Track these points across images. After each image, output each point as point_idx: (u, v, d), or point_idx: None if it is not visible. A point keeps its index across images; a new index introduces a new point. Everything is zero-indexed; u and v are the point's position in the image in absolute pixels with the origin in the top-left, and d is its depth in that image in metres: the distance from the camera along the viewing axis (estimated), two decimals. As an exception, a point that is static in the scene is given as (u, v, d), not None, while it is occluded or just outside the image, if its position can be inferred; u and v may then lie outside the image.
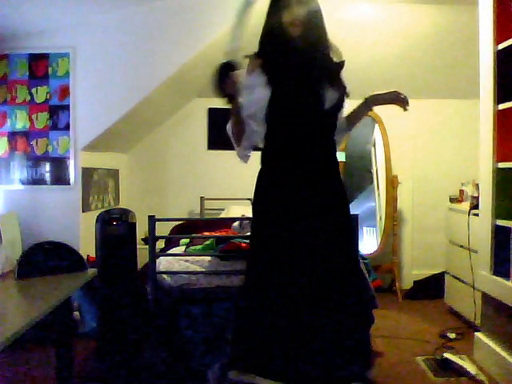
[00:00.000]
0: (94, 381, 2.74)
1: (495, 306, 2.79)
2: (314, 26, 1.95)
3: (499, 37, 2.71)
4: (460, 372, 2.76)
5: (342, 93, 2.04)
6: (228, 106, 2.00)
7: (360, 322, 2.02)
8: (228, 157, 3.52)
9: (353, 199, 4.85)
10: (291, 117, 1.94)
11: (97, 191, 4.02)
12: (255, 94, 1.92)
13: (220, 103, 2.16)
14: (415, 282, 4.60)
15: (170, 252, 2.92)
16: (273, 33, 1.94)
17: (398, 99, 2.04)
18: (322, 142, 2.00)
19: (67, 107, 3.66)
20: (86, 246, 3.50)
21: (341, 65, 2.07)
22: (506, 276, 2.66)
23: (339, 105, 2.04)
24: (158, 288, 2.65)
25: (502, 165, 2.72)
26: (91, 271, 2.30)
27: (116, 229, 2.88)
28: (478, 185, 3.19)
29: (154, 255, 2.68)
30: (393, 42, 4.11)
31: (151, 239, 2.69)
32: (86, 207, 3.78)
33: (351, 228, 2.12)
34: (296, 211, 1.92)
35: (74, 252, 2.29)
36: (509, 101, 2.64)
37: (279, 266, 1.90)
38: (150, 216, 2.71)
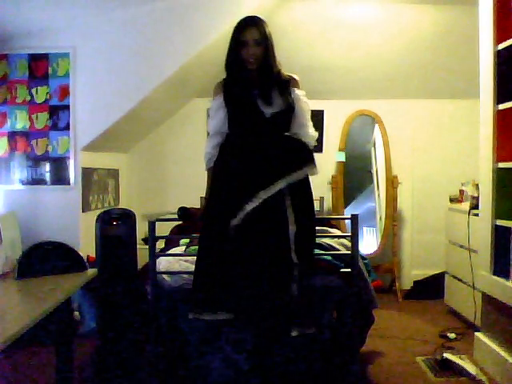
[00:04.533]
0: (94, 381, 2.74)
1: (495, 306, 2.79)
2: (267, 57, 2.30)
3: (499, 37, 2.71)
4: (460, 372, 2.76)
5: (287, 104, 2.33)
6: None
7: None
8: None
9: (353, 199, 4.86)
10: (238, 125, 2.36)
11: (97, 191, 4.02)
12: (218, 114, 2.36)
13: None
14: (415, 282, 4.60)
15: (169, 252, 2.92)
16: (232, 66, 2.34)
17: None
18: (271, 141, 2.32)
19: (67, 107, 3.66)
20: (86, 246, 3.50)
21: (287, 79, 2.37)
22: (506, 276, 2.66)
23: (284, 113, 2.33)
24: (158, 288, 2.65)
25: (502, 165, 2.72)
26: (91, 271, 2.30)
27: (116, 229, 2.88)
28: (477, 185, 3.19)
29: (154, 255, 2.68)
30: (393, 42, 4.11)
31: (151, 239, 2.68)
32: (86, 207, 3.78)
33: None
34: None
35: (74, 252, 2.29)
36: (509, 101, 2.64)
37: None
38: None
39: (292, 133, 2.38)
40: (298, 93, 2.38)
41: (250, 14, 2.38)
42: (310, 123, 2.40)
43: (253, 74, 2.35)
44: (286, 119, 2.36)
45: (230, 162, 2.34)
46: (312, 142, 2.40)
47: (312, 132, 2.40)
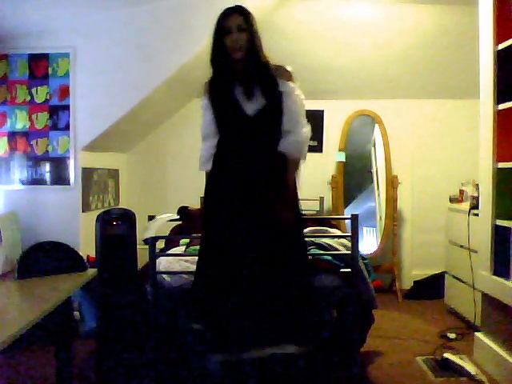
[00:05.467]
0: (94, 381, 2.74)
1: (495, 306, 2.79)
2: (252, 45, 2.17)
3: (499, 37, 2.71)
4: (460, 372, 2.76)
5: (271, 99, 2.19)
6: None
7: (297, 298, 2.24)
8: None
9: (353, 199, 4.86)
10: (224, 126, 2.29)
11: (97, 191, 4.02)
12: (207, 116, 2.32)
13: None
14: (415, 282, 4.60)
15: (170, 252, 2.92)
16: (217, 58, 2.22)
17: None
18: (257, 142, 2.22)
19: (67, 107, 3.66)
20: (86, 246, 3.50)
21: (275, 70, 2.22)
22: (506, 276, 2.66)
23: (268, 110, 2.19)
24: (158, 288, 2.65)
25: (501, 165, 2.72)
26: (91, 271, 2.30)
27: (116, 229, 2.88)
28: (477, 185, 3.19)
29: (154, 255, 2.68)
30: (393, 42, 4.11)
31: (151, 239, 2.69)
32: (85, 207, 3.78)
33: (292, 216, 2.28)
34: (237, 205, 2.23)
35: (74, 252, 2.29)
36: (509, 101, 2.64)
37: (225, 251, 2.25)
38: (149, 216, 2.71)
39: (284, 131, 2.21)
40: (290, 85, 2.20)
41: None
42: (303, 119, 2.23)
43: (238, 66, 2.21)
44: (272, 117, 2.20)
45: (223, 165, 2.30)
46: (306, 141, 2.25)
47: (306, 129, 2.23)
